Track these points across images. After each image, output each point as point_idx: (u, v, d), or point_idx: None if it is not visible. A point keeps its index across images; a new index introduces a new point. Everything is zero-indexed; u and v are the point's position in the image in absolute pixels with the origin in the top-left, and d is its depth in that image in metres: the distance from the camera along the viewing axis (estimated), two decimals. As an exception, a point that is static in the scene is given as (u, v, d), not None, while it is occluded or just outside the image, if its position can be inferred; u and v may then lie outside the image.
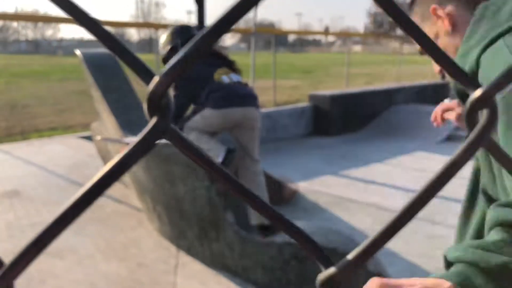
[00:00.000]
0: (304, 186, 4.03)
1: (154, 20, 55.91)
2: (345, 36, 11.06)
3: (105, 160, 3.77)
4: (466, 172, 0.58)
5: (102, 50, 3.49)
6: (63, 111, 7.08)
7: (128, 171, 0.20)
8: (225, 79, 2.72)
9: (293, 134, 6.26)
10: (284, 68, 17.71)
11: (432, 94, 8.40)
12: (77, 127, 5.86)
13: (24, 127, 5.77)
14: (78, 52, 3.33)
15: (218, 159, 2.62)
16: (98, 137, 3.26)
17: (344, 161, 5.06)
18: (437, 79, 9.84)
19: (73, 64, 16.76)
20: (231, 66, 2.84)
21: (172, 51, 2.79)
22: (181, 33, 2.85)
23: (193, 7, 4.64)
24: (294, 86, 11.90)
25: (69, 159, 4.41)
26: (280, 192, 3.60)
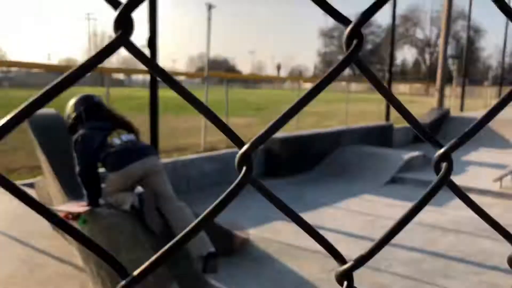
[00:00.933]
0: (254, 234, 4.07)
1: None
2: (296, 80, 11.44)
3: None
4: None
5: (47, 110, 3.44)
6: (5, 152, 6.79)
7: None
8: (116, 140, 2.92)
9: (244, 177, 6.32)
10: (237, 105, 17.97)
11: (377, 136, 8.79)
12: (22, 170, 5.64)
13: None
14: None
15: (126, 206, 2.80)
16: (54, 207, 3.11)
17: (294, 205, 5.11)
18: (382, 121, 10.32)
19: (21, 97, 16.13)
20: (125, 127, 3.02)
21: (77, 119, 2.99)
22: (84, 101, 3.05)
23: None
24: (247, 124, 12.07)
25: (10, 211, 4.14)
26: (231, 242, 3.61)
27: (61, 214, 2.72)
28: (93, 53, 0.30)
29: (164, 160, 5.58)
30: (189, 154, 6.80)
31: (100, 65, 0.33)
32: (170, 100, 5.94)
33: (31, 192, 4.30)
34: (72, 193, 2.93)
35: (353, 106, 12.22)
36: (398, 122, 11.41)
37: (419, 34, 58.03)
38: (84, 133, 2.89)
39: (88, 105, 3.03)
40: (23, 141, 7.51)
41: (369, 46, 66.99)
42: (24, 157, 6.31)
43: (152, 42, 5.32)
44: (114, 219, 2.41)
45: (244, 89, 42.24)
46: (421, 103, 16.75)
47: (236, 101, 20.03)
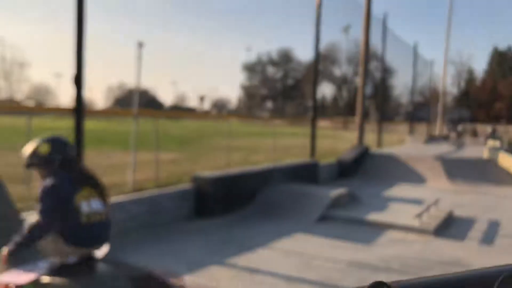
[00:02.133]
0: (190, 280, 3.90)
1: (16, 80, 52.08)
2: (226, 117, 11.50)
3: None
4: None
5: None
6: None
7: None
8: (85, 207, 2.65)
9: (175, 218, 6.12)
10: (162, 138, 17.62)
11: (304, 173, 9.02)
12: None
13: None
14: None
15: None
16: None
17: (228, 248, 5.06)
18: (307, 156, 10.64)
19: None
20: (94, 185, 2.77)
21: (49, 164, 2.69)
22: (63, 147, 2.79)
23: (62, 69, 4.44)
24: (173, 160, 11.83)
25: None
26: None
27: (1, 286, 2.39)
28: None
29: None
30: (114, 195, 6.46)
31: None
32: (89, 133, 5.64)
33: None
34: (12, 262, 2.59)
35: (277, 141, 12.50)
36: (323, 157, 11.83)
37: (337, 72, 61.54)
38: (59, 187, 2.62)
39: (67, 154, 2.77)
40: None
41: (290, 81, 69.68)
42: None
43: (78, 78, 5.09)
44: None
45: (167, 120, 41.69)
46: (343, 139, 17.59)
47: (160, 134, 19.64)
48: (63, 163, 2.73)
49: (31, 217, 2.79)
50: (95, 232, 2.68)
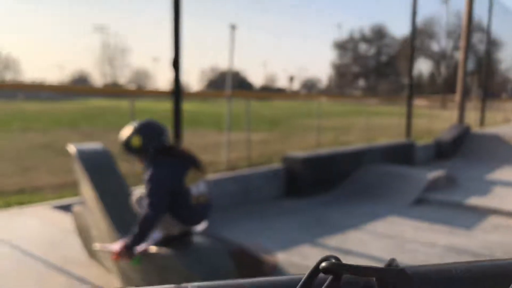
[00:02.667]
0: (283, 258, 4.00)
1: (119, 66, 56.12)
2: (317, 97, 11.42)
3: (82, 238, 3.61)
4: None
5: (96, 145, 3.44)
6: (29, 170, 6.84)
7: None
8: (194, 190, 2.77)
9: (266, 197, 6.27)
10: (252, 118, 17.98)
11: (399, 154, 8.67)
12: (46, 189, 5.66)
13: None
14: (71, 148, 3.24)
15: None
16: (97, 246, 3.07)
17: (319, 228, 5.08)
18: (401, 136, 10.21)
19: (35, 110, 16.36)
20: (198, 165, 2.86)
21: (147, 149, 2.79)
22: (161, 132, 2.87)
23: (160, 53, 4.69)
24: (264, 140, 12.04)
25: (44, 236, 4.13)
26: (259, 268, 3.54)
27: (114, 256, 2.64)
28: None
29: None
30: (210, 173, 6.78)
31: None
32: (184, 114, 5.89)
33: (66, 215, 4.31)
34: (121, 230, 2.88)
35: (369, 120, 12.13)
36: (419, 138, 11.27)
37: (434, 47, 57.68)
38: (165, 176, 2.70)
39: (160, 141, 2.83)
40: (43, 159, 7.60)
41: (384, 58, 66.82)
42: (46, 176, 6.35)
43: (176, 62, 5.35)
44: (168, 260, 2.38)
45: (258, 102, 42.37)
46: (441, 118, 16.56)
47: (251, 115, 20.02)
48: (160, 150, 2.81)
49: (137, 192, 3.04)
50: (201, 212, 2.83)
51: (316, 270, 0.29)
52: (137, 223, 2.62)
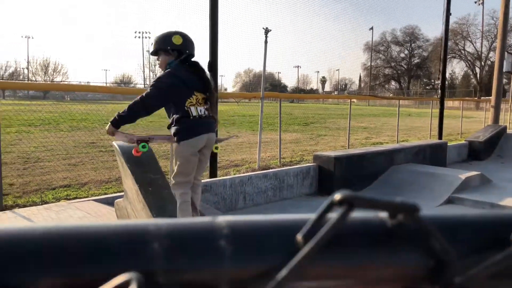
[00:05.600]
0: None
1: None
2: (347, 98, 11.49)
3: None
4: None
5: None
6: (75, 166, 7.25)
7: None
8: (192, 110, 3.16)
9: (298, 194, 6.44)
10: (284, 120, 18.16)
11: (431, 154, 8.68)
12: (91, 184, 6.02)
13: (39, 183, 5.93)
14: (115, 144, 3.54)
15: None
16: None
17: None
18: (431, 136, 10.17)
19: (82, 111, 17.15)
20: (205, 92, 3.24)
21: (176, 56, 3.23)
22: (192, 47, 3.30)
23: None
24: (295, 140, 12.21)
25: None
26: None
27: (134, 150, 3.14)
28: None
29: (223, 177, 5.81)
30: (244, 171, 7.01)
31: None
32: (220, 114, 6.15)
33: (109, 209, 4.62)
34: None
35: (400, 121, 12.10)
36: (450, 138, 11.18)
37: (469, 48, 56.26)
38: (176, 84, 3.10)
39: (192, 52, 3.26)
40: (89, 156, 8.02)
41: (416, 60, 65.67)
42: (91, 172, 6.73)
43: (213, 66, 5.61)
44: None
45: (290, 103, 42.54)
46: (475, 119, 16.28)
47: (283, 115, 20.23)
48: (185, 59, 3.20)
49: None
50: (204, 122, 3.24)
51: (330, 203, 0.28)
52: (124, 111, 3.10)
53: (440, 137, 10.08)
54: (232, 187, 5.64)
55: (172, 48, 3.19)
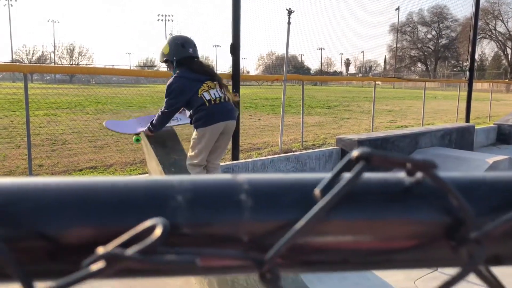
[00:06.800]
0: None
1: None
2: (371, 80, 11.31)
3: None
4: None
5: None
6: (101, 148, 7.41)
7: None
8: (206, 95, 3.31)
9: (321, 177, 6.44)
10: (307, 103, 18.04)
11: (457, 137, 8.51)
12: (116, 166, 6.15)
13: (66, 165, 6.09)
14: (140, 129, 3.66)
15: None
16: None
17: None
18: (462, 122, 9.95)
19: (107, 95, 17.49)
20: (214, 80, 3.40)
21: (172, 62, 3.38)
22: (184, 46, 3.42)
23: (219, 41, 5.07)
24: (318, 123, 12.14)
25: None
26: None
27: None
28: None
29: (245, 160, 5.85)
30: (266, 154, 7.03)
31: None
32: (242, 97, 6.17)
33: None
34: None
35: (426, 104, 11.87)
36: (478, 122, 10.93)
37: (500, 27, 54.38)
38: (182, 83, 3.28)
39: (187, 52, 3.38)
40: (114, 139, 8.18)
41: (444, 41, 63.95)
42: (117, 154, 6.87)
43: (235, 49, 5.59)
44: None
45: (313, 86, 42.16)
46: (505, 102, 15.84)
47: (306, 98, 20.08)
48: (182, 61, 3.33)
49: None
50: (220, 110, 3.37)
51: (348, 160, 0.29)
52: (153, 121, 3.38)
53: (467, 120, 9.86)
54: (254, 170, 5.67)
55: (166, 58, 3.39)
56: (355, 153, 0.29)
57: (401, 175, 0.32)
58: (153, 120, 3.39)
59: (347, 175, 0.28)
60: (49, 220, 0.26)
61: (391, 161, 0.29)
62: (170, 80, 3.31)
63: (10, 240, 0.25)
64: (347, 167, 0.30)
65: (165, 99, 3.31)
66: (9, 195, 0.26)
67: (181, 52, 3.36)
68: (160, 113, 3.33)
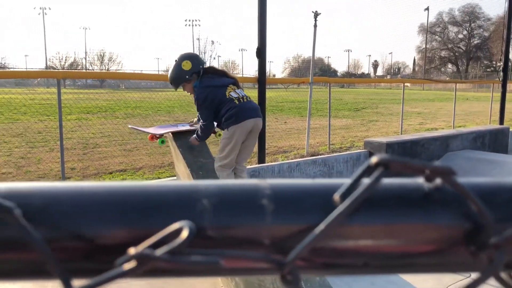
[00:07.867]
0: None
1: (209, 57, 58.93)
2: (400, 82, 11.13)
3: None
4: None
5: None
6: (130, 151, 7.57)
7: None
8: (233, 94, 3.51)
9: (348, 180, 6.38)
10: (334, 105, 17.89)
11: (490, 140, 8.29)
12: (145, 169, 6.27)
13: (97, 168, 6.25)
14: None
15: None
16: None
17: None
18: (496, 124, 9.68)
19: (136, 99, 17.89)
20: (235, 83, 3.62)
21: (193, 75, 3.50)
22: (199, 60, 3.61)
23: (245, 45, 5.19)
24: (345, 126, 12.03)
25: None
26: None
27: (148, 136, 3.59)
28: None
29: (271, 163, 5.86)
30: (293, 157, 7.03)
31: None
32: (268, 100, 6.18)
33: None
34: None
35: (457, 106, 11.60)
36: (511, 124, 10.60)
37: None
38: (209, 91, 3.46)
39: (203, 63, 3.57)
40: (143, 142, 8.34)
41: (476, 41, 62.41)
42: (145, 157, 7.00)
43: (261, 52, 5.62)
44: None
45: (340, 88, 41.84)
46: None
47: (333, 101, 19.93)
48: (205, 71, 3.50)
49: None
50: (249, 106, 3.57)
51: (368, 166, 0.30)
52: (197, 134, 3.49)
53: (501, 122, 9.59)
54: (280, 173, 5.67)
55: (189, 74, 3.51)
56: (374, 159, 0.29)
57: (420, 180, 0.32)
58: (198, 131, 3.50)
59: (366, 181, 0.29)
60: (85, 222, 0.28)
61: (410, 167, 0.29)
62: (197, 93, 3.46)
63: (50, 239, 0.27)
64: (367, 172, 0.30)
65: (199, 112, 3.49)
66: (49, 198, 0.28)
67: (201, 61, 3.57)
68: (202, 125, 3.48)
